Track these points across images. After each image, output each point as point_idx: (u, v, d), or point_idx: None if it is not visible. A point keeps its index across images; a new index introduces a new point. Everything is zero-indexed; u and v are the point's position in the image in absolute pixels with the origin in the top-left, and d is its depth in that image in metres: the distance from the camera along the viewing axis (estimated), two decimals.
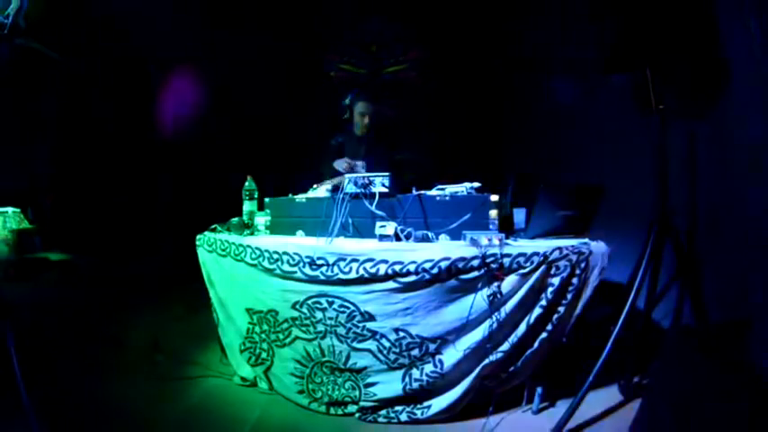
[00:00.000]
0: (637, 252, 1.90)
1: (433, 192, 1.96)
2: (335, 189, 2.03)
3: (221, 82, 3.34)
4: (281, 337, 2.03)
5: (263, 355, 2.10)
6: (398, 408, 1.90)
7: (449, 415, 1.84)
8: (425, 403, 1.87)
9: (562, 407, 1.80)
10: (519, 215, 2.00)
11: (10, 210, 3.14)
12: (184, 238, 2.27)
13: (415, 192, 1.92)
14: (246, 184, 2.30)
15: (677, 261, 1.77)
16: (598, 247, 1.71)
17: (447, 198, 1.88)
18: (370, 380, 1.91)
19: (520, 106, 2.98)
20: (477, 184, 1.90)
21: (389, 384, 1.88)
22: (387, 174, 1.95)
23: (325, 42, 3.28)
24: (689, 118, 1.84)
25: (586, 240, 1.79)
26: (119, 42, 3.06)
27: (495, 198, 1.82)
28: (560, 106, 2.57)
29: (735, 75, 1.72)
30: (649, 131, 1.77)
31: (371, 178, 1.95)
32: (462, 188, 1.91)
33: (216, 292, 2.17)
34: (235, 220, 2.20)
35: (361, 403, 1.93)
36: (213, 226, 2.20)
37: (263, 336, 2.08)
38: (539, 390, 1.83)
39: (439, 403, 1.84)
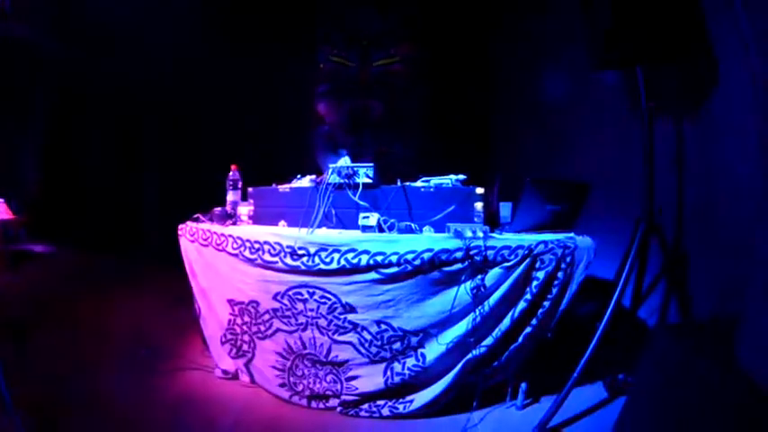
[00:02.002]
0: (623, 248, 1.84)
1: (418, 183, 1.89)
2: (319, 180, 1.96)
3: (207, 71, 3.26)
4: (262, 328, 1.96)
5: (245, 347, 2.02)
6: (380, 402, 1.82)
7: (432, 410, 1.77)
8: (408, 398, 1.80)
9: (546, 403, 1.73)
10: (505, 209, 1.94)
11: None
12: (169, 228, 2.20)
13: (399, 183, 1.86)
14: (231, 173, 2.22)
15: (663, 258, 1.71)
16: (584, 241, 1.64)
17: (432, 190, 1.81)
18: (351, 373, 1.84)
19: (508, 103, 2.91)
20: (462, 177, 1.83)
21: (371, 378, 1.81)
22: (371, 164, 1.88)
23: (318, 34, 3.19)
24: (677, 115, 1.77)
25: (572, 235, 1.72)
26: (106, 34, 2.98)
27: (480, 191, 1.75)
28: (549, 103, 2.50)
29: (725, 73, 1.66)
30: (639, 128, 1.71)
31: (355, 168, 1.88)
32: (448, 180, 1.85)
33: (198, 282, 2.09)
34: (218, 209, 2.12)
35: (343, 397, 1.85)
36: (196, 216, 2.13)
37: (245, 327, 2.00)
38: (523, 386, 1.76)
39: (421, 398, 1.77)
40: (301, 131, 3.00)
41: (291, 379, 1.95)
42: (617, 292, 1.63)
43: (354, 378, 1.84)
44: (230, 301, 2.01)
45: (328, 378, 1.89)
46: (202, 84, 3.26)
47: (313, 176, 2.07)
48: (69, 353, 2.12)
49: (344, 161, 2.11)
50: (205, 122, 3.33)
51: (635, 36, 1.68)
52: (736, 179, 1.60)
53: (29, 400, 1.58)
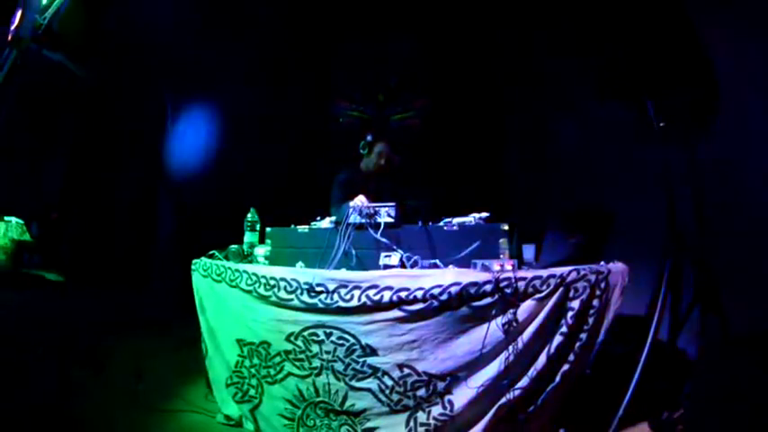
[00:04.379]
0: (650, 277, 1.75)
1: (441, 223, 1.82)
2: (339, 222, 1.89)
3: (230, 115, 3.32)
4: (272, 372, 1.78)
5: (252, 391, 1.82)
6: None
7: None
8: None
9: None
10: (528, 252, 1.84)
11: (14, 220, 2.99)
12: (182, 271, 2.11)
13: (420, 224, 1.78)
14: (249, 215, 2.15)
15: (695, 286, 1.62)
16: (616, 266, 1.53)
17: (455, 228, 1.73)
18: (369, 425, 1.63)
19: (522, 143, 2.94)
20: (486, 215, 1.76)
21: (391, 429, 1.60)
22: (392, 204, 1.81)
23: (335, 88, 3.30)
24: (689, 139, 1.76)
25: (602, 263, 1.62)
26: (137, 71, 3.06)
27: (505, 227, 1.66)
28: (563, 141, 2.52)
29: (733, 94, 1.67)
30: (652, 155, 1.69)
31: (376, 208, 1.81)
32: (471, 219, 1.77)
33: (206, 319, 1.94)
34: (234, 247, 2.02)
35: None
36: (211, 252, 2.02)
37: (253, 370, 1.82)
38: None
39: None
40: (318, 178, 2.98)
41: (301, 429, 1.74)
42: (653, 327, 1.52)
43: (373, 430, 1.63)
44: (239, 341, 1.84)
45: (343, 429, 1.68)
46: (226, 128, 3.32)
47: (333, 218, 1.99)
48: (68, 381, 1.93)
49: (361, 200, 2.05)
50: (223, 166, 3.33)
51: (640, 67, 1.71)
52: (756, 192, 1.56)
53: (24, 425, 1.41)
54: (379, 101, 3.13)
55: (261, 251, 2.01)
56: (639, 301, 1.84)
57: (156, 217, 3.41)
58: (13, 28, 2.24)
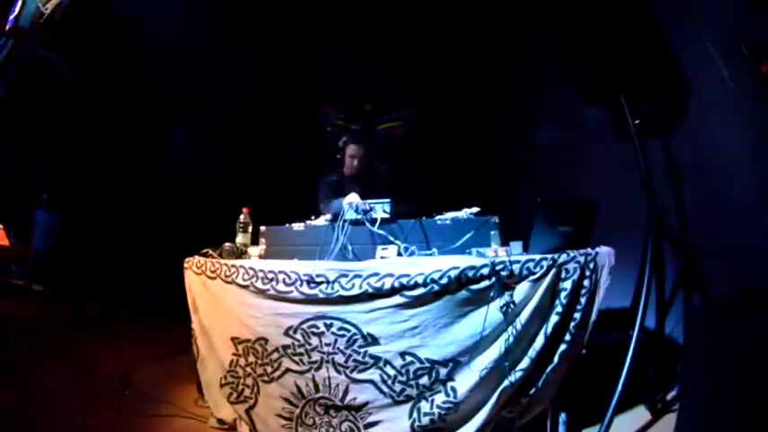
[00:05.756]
0: (633, 270, 1.83)
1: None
2: (335, 218, 1.89)
3: (220, 114, 3.29)
4: (268, 370, 1.71)
5: (246, 391, 1.75)
6: None
7: None
8: None
9: None
10: (516, 248, 1.90)
11: None
12: (169, 279, 2.04)
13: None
14: (242, 217, 2.12)
15: (680, 259, 1.70)
16: (602, 249, 1.59)
17: (448, 221, 1.77)
18: (371, 419, 1.59)
19: (504, 145, 3.04)
20: (476, 209, 1.81)
21: (395, 423, 1.56)
22: (387, 200, 1.85)
23: (324, 97, 3.36)
24: (661, 131, 1.89)
25: (589, 250, 1.68)
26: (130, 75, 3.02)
27: (496, 219, 1.72)
28: (545, 140, 2.64)
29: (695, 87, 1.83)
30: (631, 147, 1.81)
31: (372, 204, 1.84)
32: (462, 213, 1.82)
33: (199, 318, 1.86)
34: (228, 245, 1.98)
35: None
36: (204, 250, 1.97)
37: (249, 369, 1.75)
38: (563, 416, 1.56)
39: None
40: (306, 180, 2.98)
41: (300, 429, 1.67)
42: (641, 308, 1.57)
43: (375, 424, 1.58)
44: (234, 339, 1.78)
45: (344, 426, 1.62)
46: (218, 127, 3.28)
47: (328, 216, 1.99)
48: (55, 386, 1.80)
49: (354, 197, 2.08)
50: (209, 171, 3.28)
51: (614, 73, 1.85)
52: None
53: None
54: (366, 110, 3.20)
55: (255, 250, 1.98)
56: (626, 295, 1.91)
57: (142, 225, 3.29)
58: (12, 17, 2.17)
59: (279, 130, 3.28)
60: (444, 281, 1.50)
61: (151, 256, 3.18)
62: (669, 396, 1.74)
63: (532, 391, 1.51)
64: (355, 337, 1.59)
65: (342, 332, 1.61)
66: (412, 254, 1.71)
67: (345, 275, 1.61)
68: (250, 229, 2.11)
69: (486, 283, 1.49)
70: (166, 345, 2.32)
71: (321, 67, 3.33)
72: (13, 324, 2.24)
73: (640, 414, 1.70)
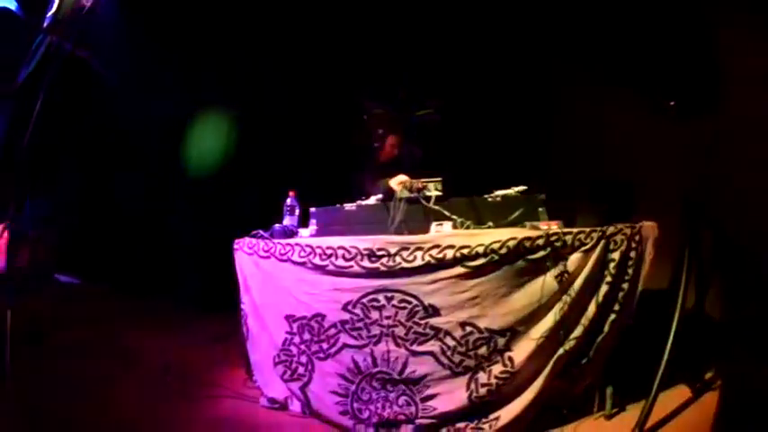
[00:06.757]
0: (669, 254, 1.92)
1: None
2: (385, 197, 1.95)
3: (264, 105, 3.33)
4: (324, 346, 1.71)
5: (300, 369, 1.73)
6: (461, 425, 1.58)
7: (519, 427, 1.56)
8: (493, 415, 1.57)
9: (632, 410, 1.60)
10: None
11: None
12: (206, 273, 2.01)
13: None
14: (288, 200, 2.14)
15: (715, 246, 1.81)
16: (645, 223, 1.66)
17: (498, 199, 1.87)
18: (429, 391, 1.61)
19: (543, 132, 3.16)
20: (523, 187, 1.90)
21: (452, 394, 1.59)
22: (439, 179, 1.93)
23: (361, 89, 3.37)
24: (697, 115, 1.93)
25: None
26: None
27: (542, 196, 1.80)
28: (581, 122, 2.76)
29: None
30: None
31: (425, 183, 1.92)
32: (511, 191, 1.88)
33: (252, 298, 1.85)
34: (278, 226, 2.00)
35: (418, 421, 1.60)
36: (255, 231, 1.98)
37: (303, 347, 1.74)
38: (609, 390, 1.64)
39: (508, 413, 1.56)
40: (343, 167, 3.01)
41: (356, 405, 1.66)
42: (681, 289, 1.66)
43: (433, 397, 1.61)
44: (288, 317, 1.78)
45: (401, 400, 1.63)
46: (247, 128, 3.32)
47: (379, 196, 2.05)
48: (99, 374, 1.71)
49: (403, 177, 2.10)
50: (245, 163, 3.26)
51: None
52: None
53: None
54: (400, 98, 3.20)
55: (305, 231, 2.01)
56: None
57: (173, 219, 3.18)
58: (50, 14, 2.18)
59: (315, 119, 3.34)
60: (504, 251, 1.59)
61: (178, 247, 3.06)
62: (709, 375, 1.79)
63: (584, 361, 1.58)
64: (417, 309, 1.64)
65: (403, 304, 1.65)
66: (468, 228, 1.77)
67: (407, 248, 1.67)
68: (297, 212, 2.13)
69: (542, 252, 1.59)
70: (201, 334, 2.24)
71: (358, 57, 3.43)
72: (45, 319, 2.10)
73: (681, 392, 1.74)
